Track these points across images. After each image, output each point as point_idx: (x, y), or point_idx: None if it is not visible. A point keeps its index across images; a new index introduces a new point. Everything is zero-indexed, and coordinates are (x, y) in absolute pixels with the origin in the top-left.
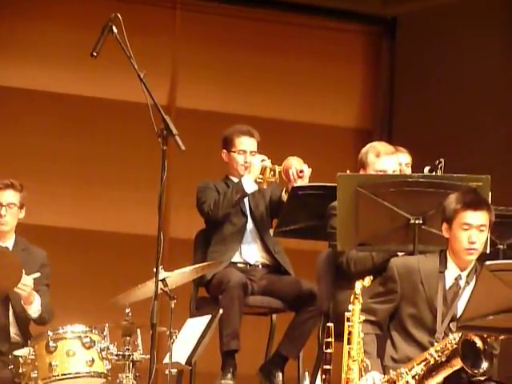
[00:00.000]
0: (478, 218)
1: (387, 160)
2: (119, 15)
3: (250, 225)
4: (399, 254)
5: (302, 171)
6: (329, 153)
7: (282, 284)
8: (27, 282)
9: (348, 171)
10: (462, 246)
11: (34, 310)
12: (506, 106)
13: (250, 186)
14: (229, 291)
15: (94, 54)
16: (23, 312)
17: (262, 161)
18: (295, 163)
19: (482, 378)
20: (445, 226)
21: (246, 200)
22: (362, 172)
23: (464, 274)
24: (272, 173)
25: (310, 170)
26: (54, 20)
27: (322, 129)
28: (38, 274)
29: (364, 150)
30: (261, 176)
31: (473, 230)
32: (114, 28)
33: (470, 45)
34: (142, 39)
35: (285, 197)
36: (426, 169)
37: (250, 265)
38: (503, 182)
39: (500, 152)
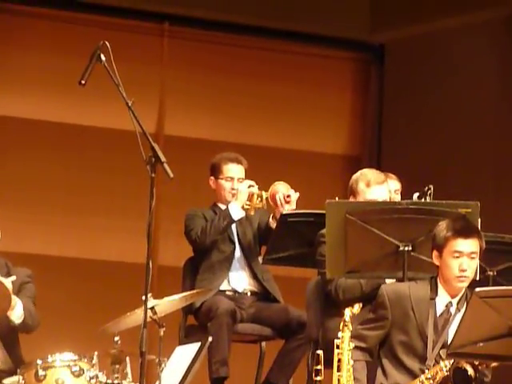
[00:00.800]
0: (469, 246)
1: (378, 190)
2: (107, 43)
3: (237, 252)
4: (387, 281)
5: (289, 196)
6: (318, 180)
7: (270, 311)
8: (5, 284)
9: (337, 198)
10: (452, 273)
11: (17, 315)
12: (494, 132)
13: (237, 213)
14: (217, 319)
15: (83, 81)
16: (10, 333)
17: (249, 187)
18: (282, 188)
19: None
20: (435, 253)
21: (233, 227)
22: (352, 199)
23: (455, 301)
24: (259, 199)
25: (298, 194)
26: (42, 47)
27: (311, 156)
28: (13, 277)
29: (354, 177)
30: (248, 202)
31: (464, 257)
32: (102, 56)
33: (459, 72)
34: (130, 67)
35: (272, 223)
36: (415, 195)
37: (239, 292)
38: (492, 208)
39: (488, 178)
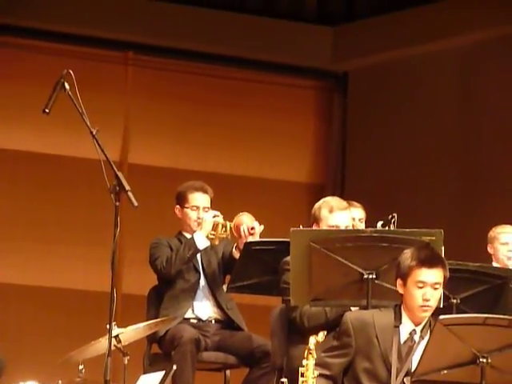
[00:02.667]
0: (433, 276)
1: (340, 216)
2: (71, 72)
3: (202, 281)
4: (352, 308)
5: (253, 228)
6: (282, 208)
7: (234, 340)
8: None
9: (301, 226)
10: (416, 303)
11: None
12: (458, 158)
13: (202, 242)
14: (181, 347)
15: (47, 110)
16: None
17: (214, 217)
18: (246, 220)
19: None
20: (399, 281)
21: (198, 256)
22: (315, 227)
23: (418, 329)
24: (224, 229)
25: (262, 227)
26: (6, 76)
27: (275, 184)
28: None
29: (317, 205)
30: (213, 232)
31: (427, 287)
32: (66, 84)
33: (422, 99)
34: (94, 95)
35: (235, 253)
36: (379, 223)
37: (203, 321)
38: (455, 236)
39: (452, 206)
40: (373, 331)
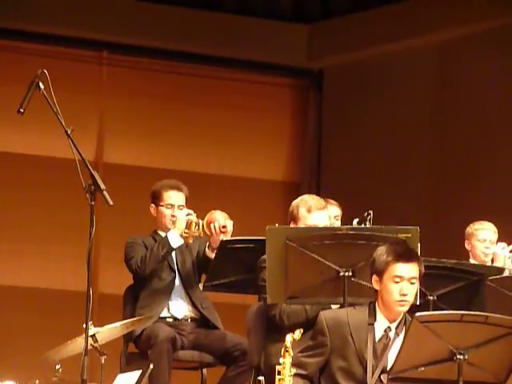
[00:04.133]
0: (410, 271)
1: (319, 215)
2: (46, 71)
3: (177, 280)
4: (333, 306)
5: (224, 227)
6: (257, 206)
7: (210, 338)
8: None
9: (277, 224)
10: (393, 298)
11: None
12: (434, 156)
13: (175, 241)
14: (157, 346)
15: (21, 110)
16: None
17: (188, 215)
18: (218, 217)
19: None
20: (375, 277)
21: (173, 255)
22: (292, 225)
23: (393, 326)
24: (197, 227)
25: (232, 223)
26: None
27: (250, 182)
28: None
29: (295, 203)
30: (186, 230)
31: (404, 282)
32: (41, 84)
33: (397, 96)
34: (68, 95)
35: (208, 252)
36: (355, 221)
37: (179, 319)
38: (431, 233)
39: (427, 203)
40: (347, 329)
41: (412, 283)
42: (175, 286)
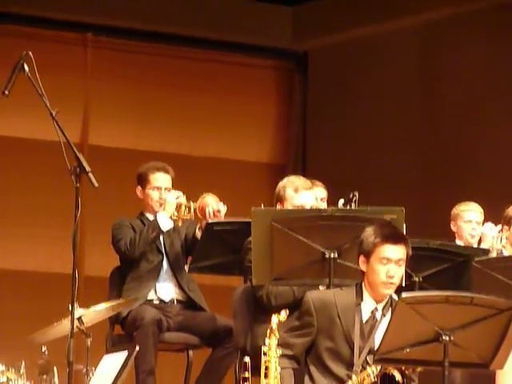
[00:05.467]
0: (397, 252)
1: (306, 195)
2: (30, 53)
3: (165, 263)
4: (320, 287)
5: (218, 211)
6: (242, 188)
7: (197, 320)
8: None
9: (262, 206)
10: (379, 279)
11: None
12: (419, 137)
13: (165, 224)
14: (143, 328)
15: (6, 92)
16: None
17: (177, 198)
18: (212, 202)
19: None
20: (362, 258)
21: (161, 238)
22: (278, 206)
23: (380, 307)
24: (187, 210)
25: (226, 208)
26: None
27: (236, 164)
28: None
29: (281, 184)
30: (176, 213)
31: (391, 264)
32: (26, 66)
33: (383, 78)
34: (53, 77)
35: (199, 234)
36: (341, 202)
37: (165, 302)
38: (417, 214)
39: (413, 184)
40: (334, 310)
41: (399, 265)
42: (163, 269)
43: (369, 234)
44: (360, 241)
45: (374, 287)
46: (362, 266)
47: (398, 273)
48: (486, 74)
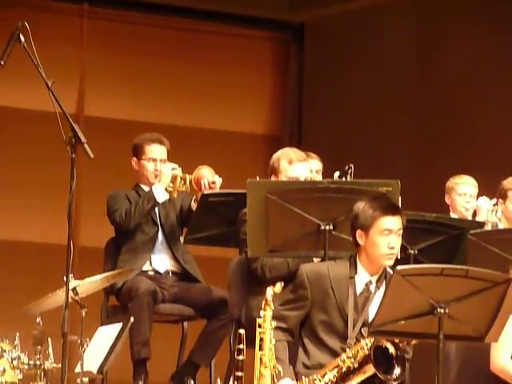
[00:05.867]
0: (397, 223)
1: (300, 167)
2: (26, 24)
3: (160, 234)
4: (315, 260)
5: (214, 183)
6: (237, 159)
7: (193, 292)
8: None
9: (258, 178)
10: (381, 251)
11: None
12: (415, 109)
13: (161, 195)
14: (138, 299)
15: (2, 62)
16: None
17: (173, 169)
18: (207, 173)
19: None
20: (359, 232)
21: (156, 209)
22: (273, 178)
23: (374, 279)
24: (182, 182)
25: (221, 180)
26: None
27: (231, 136)
28: None
29: (275, 156)
30: (171, 185)
31: (392, 235)
32: (22, 36)
33: (379, 49)
34: (49, 48)
35: (194, 206)
36: (336, 174)
37: (160, 273)
38: (412, 187)
39: (408, 157)
40: (328, 283)
41: (399, 235)
42: (158, 240)
43: (365, 207)
44: (354, 215)
45: (375, 260)
46: (360, 240)
47: (398, 243)
48: (485, 47)
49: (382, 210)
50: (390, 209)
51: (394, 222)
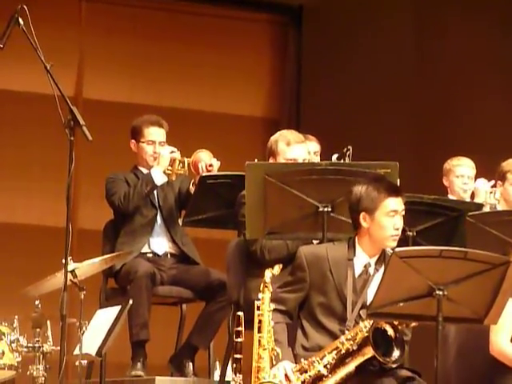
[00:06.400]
0: (401, 204)
1: (298, 148)
2: (25, 7)
3: (159, 217)
4: (314, 242)
5: (211, 165)
6: (236, 142)
7: (191, 274)
8: None
9: (256, 160)
10: (387, 233)
11: None
12: (414, 93)
13: (159, 178)
14: (137, 281)
15: (1, 45)
16: None
17: (171, 152)
18: (205, 157)
19: (393, 366)
20: (363, 215)
21: (155, 192)
22: (271, 160)
23: (373, 261)
24: (181, 165)
25: (219, 163)
26: None
27: (230, 118)
28: None
29: (273, 138)
30: (170, 168)
31: (397, 216)
32: (21, 20)
33: (378, 32)
34: (48, 30)
35: (192, 189)
36: (334, 156)
37: (159, 255)
38: (411, 169)
39: (406, 139)
40: (326, 265)
41: (402, 215)
42: (156, 223)
43: (368, 189)
44: (357, 198)
45: (379, 242)
46: (364, 223)
47: (401, 224)
48: (482, 34)
49: (386, 192)
50: (393, 190)
51: (398, 203)
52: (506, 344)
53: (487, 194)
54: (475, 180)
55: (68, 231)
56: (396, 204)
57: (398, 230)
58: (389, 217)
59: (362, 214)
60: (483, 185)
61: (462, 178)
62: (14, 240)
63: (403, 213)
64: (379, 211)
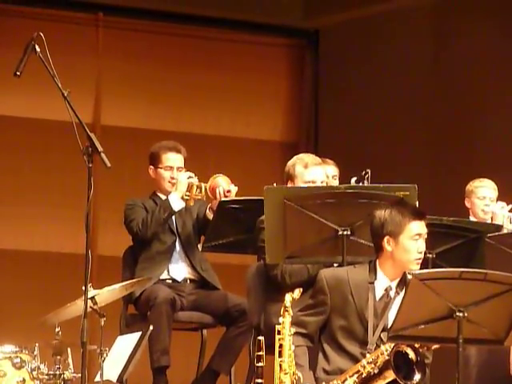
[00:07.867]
0: (424, 227)
1: (315, 171)
2: (41, 34)
3: (178, 243)
4: (335, 265)
5: (229, 191)
6: (255, 167)
7: (211, 299)
8: None
9: (275, 184)
10: (411, 256)
11: None
12: (431, 115)
13: (177, 204)
14: (157, 307)
15: (18, 73)
16: None
17: (189, 178)
18: (223, 182)
19: None
20: (387, 239)
21: (173, 218)
22: (289, 184)
23: (394, 285)
24: (198, 190)
25: (237, 188)
26: None
27: (248, 143)
28: None
29: (291, 162)
30: (187, 193)
31: (421, 239)
32: (37, 47)
33: (393, 56)
34: (65, 57)
35: (209, 214)
36: (353, 180)
37: (178, 281)
38: (429, 191)
39: (424, 161)
40: (347, 288)
41: (424, 239)
42: (175, 250)
43: (392, 213)
44: (381, 222)
45: (403, 265)
46: (388, 247)
47: (424, 247)
48: (500, 48)
49: (411, 216)
50: (417, 213)
51: (422, 227)
52: None
53: (505, 218)
54: (497, 201)
55: (88, 258)
56: (420, 227)
57: (421, 253)
58: (413, 240)
59: (385, 238)
60: (501, 209)
61: (484, 199)
62: (33, 267)
63: (426, 236)
64: (404, 235)
